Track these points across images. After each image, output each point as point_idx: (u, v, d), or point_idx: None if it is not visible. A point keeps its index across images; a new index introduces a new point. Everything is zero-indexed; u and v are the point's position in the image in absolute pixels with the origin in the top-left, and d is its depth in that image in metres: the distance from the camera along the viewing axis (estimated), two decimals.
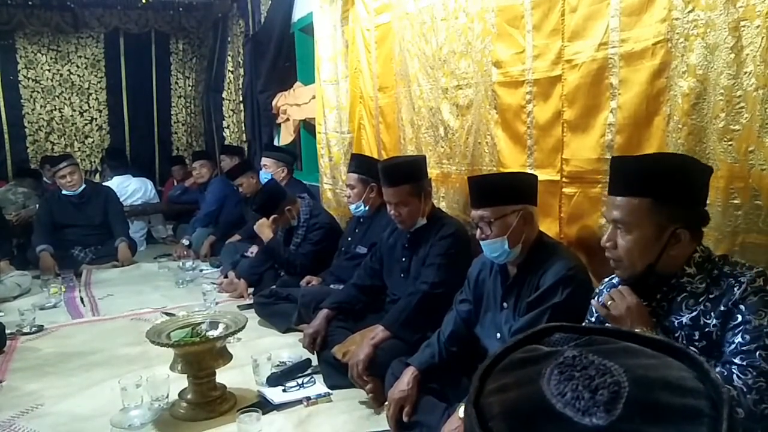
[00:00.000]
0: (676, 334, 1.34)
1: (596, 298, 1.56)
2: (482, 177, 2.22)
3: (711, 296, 1.32)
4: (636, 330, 1.43)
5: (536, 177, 2.03)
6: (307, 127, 4.92)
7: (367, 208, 3.10)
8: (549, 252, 1.89)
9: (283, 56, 5.15)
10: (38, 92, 7.06)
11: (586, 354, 0.49)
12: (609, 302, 1.44)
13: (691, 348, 1.29)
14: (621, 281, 1.47)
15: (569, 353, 0.50)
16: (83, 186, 4.87)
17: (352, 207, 3.14)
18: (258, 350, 2.76)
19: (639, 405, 0.45)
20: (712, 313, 1.30)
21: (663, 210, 1.33)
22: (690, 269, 1.36)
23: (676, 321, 1.35)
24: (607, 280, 1.60)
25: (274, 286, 3.51)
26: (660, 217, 1.33)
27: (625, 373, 0.46)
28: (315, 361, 2.67)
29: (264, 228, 3.60)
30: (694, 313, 1.33)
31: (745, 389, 1.20)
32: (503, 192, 1.91)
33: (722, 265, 1.35)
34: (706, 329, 1.30)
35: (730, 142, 1.51)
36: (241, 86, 6.01)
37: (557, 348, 0.53)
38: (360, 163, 3.12)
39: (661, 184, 1.33)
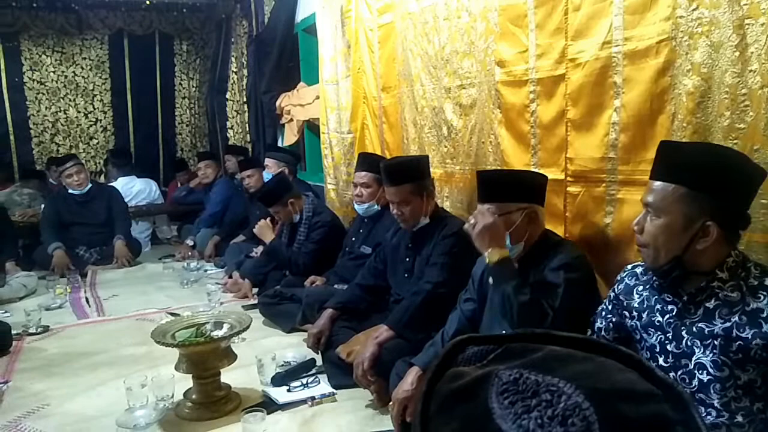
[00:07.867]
0: (706, 342, 1.30)
1: (617, 285, 1.56)
2: (492, 172, 2.22)
3: (748, 308, 1.26)
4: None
5: (546, 177, 2.01)
6: (311, 128, 4.93)
7: (379, 207, 3.09)
8: (553, 247, 1.87)
9: (286, 57, 5.16)
10: (43, 94, 7.10)
11: (522, 373, 0.43)
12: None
13: (722, 358, 1.27)
14: (646, 269, 1.46)
15: (505, 376, 0.43)
16: (90, 185, 4.92)
17: (364, 206, 3.10)
18: (262, 350, 2.77)
19: (612, 429, 0.39)
20: (747, 327, 1.25)
21: (696, 201, 1.28)
22: (722, 274, 1.31)
23: (707, 329, 1.30)
24: (629, 267, 1.57)
25: (278, 287, 3.51)
26: (691, 207, 1.29)
27: (577, 390, 0.41)
28: (319, 361, 2.67)
29: (265, 230, 3.61)
30: (728, 324, 1.27)
31: None
32: (511, 189, 1.90)
33: (761, 274, 1.29)
34: (743, 344, 1.25)
35: (735, 141, 1.50)
36: (244, 87, 6.02)
37: (485, 370, 0.46)
38: (374, 163, 3.05)
39: (697, 173, 1.29)
